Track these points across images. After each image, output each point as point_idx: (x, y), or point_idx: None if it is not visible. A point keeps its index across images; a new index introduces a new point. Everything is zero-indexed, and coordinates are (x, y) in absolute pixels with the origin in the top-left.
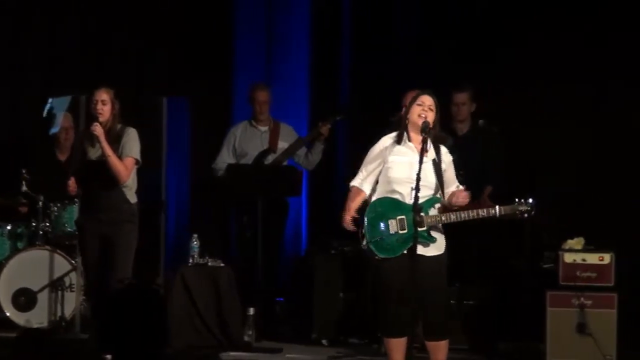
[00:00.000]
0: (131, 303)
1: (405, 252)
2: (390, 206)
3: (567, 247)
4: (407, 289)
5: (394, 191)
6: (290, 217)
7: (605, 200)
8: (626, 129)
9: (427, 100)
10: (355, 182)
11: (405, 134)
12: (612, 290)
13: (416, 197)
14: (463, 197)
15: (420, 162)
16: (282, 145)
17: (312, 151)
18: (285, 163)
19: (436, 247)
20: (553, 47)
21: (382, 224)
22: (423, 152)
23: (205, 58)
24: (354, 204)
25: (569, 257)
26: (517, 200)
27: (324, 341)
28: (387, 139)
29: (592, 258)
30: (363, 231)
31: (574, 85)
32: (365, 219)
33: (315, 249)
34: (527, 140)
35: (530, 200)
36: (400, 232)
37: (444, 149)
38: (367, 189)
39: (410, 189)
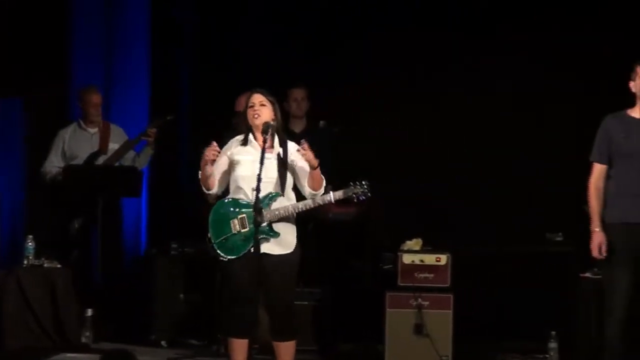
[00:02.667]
0: None
1: (251, 250)
2: (231, 206)
3: (405, 248)
4: (251, 288)
5: (238, 188)
6: (130, 217)
7: (442, 200)
8: (463, 128)
9: (256, 98)
10: None
11: (250, 135)
12: (448, 291)
13: (257, 198)
14: (303, 153)
15: (261, 162)
16: (113, 146)
17: (140, 155)
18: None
19: (283, 246)
20: (397, 45)
21: (224, 225)
22: (264, 152)
23: (41, 59)
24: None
25: (407, 258)
26: (351, 183)
27: (163, 342)
28: (235, 140)
29: (429, 259)
30: (209, 235)
31: (414, 84)
32: (209, 223)
33: (155, 250)
34: (365, 141)
35: (364, 182)
36: (242, 230)
37: (291, 143)
38: (214, 180)
39: (252, 187)
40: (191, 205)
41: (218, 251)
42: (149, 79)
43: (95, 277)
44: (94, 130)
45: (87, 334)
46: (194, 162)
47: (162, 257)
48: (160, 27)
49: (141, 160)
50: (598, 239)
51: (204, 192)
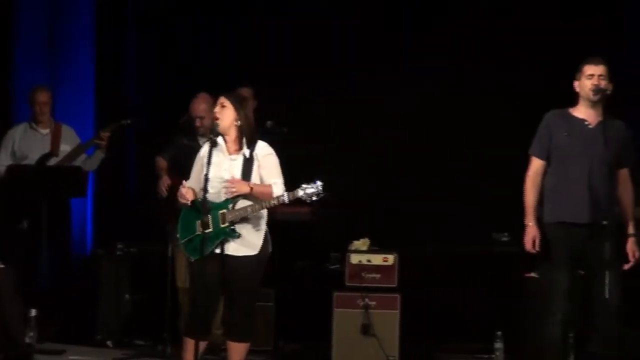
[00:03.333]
0: None
1: (217, 251)
2: (198, 207)
3: (353, 248)
4: (211, 290)
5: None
6: (76, 218)
7: (390, 201)
8: (411, 130)
9: (218, 101)
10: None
11: (220, 137)
12: (396, 291)
13: (204, 198)
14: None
15: (209, 163)
16: (64, 148)
17: (92, 157)
18: None
19: (248, 247)
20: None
21: (191, 226)
22: (211, 153)
23: None
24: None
25: (354, 258)
26: (304, 183)
27: (108, 342)
28: (207, 145)
29: (377, 259)
30: (177, 235)
31: (360, 84)
32: (179, 223)
33: (101, 250)
34: (313, 141)
35: (317, 182)
36: (206, 231)
37: (260, 144)
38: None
39: (219, 188)
40: (137, 206)
41: (184, 250)
42: (94, 79)
43: (41, 277)
44: (45, 131)
45: (31, 334)
46: (140, 162)
47: (108, 257)
48: (105, 25)
49: (92, 162)
50: (532, 233)
51: None
